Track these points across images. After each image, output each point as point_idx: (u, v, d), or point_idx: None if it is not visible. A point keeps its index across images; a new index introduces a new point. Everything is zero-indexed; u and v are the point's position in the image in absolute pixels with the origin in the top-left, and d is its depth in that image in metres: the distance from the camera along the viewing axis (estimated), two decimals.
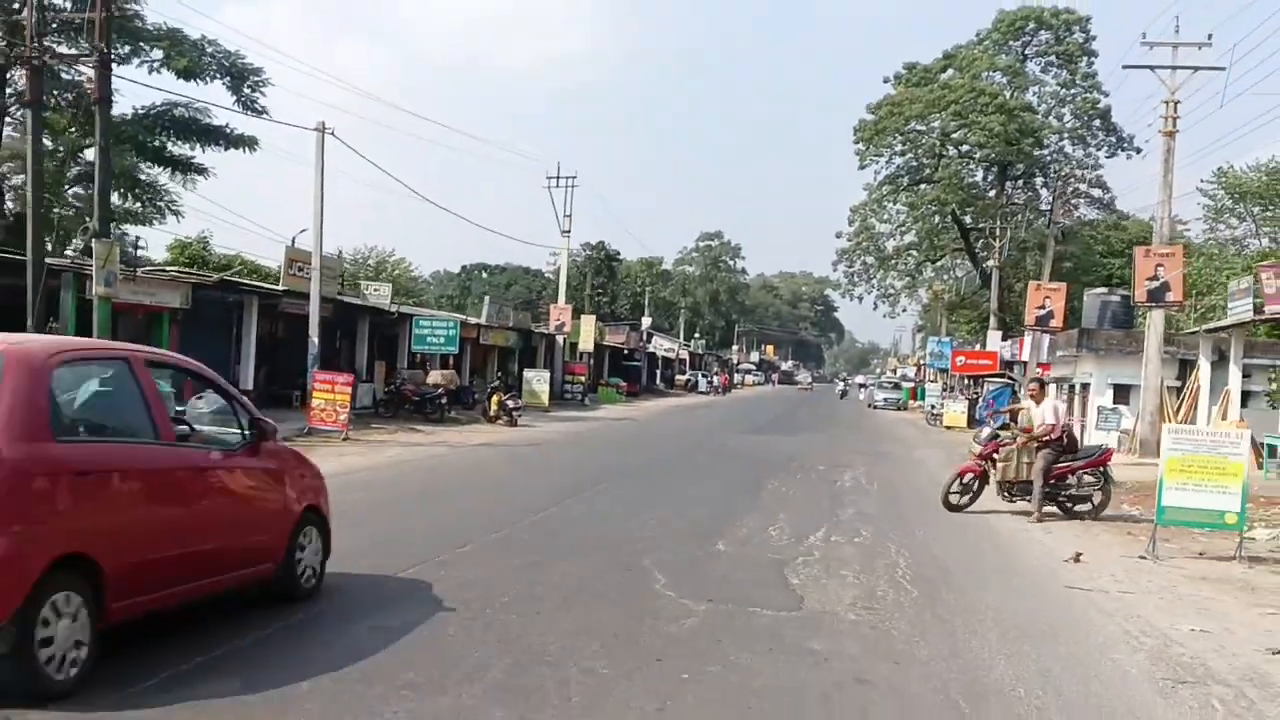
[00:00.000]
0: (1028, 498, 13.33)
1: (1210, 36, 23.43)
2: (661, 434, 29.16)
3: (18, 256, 18.89)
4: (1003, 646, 6.91)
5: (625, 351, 63.61)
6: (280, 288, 24.73)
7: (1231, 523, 10.61)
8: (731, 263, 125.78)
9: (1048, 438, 13.15)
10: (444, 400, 27.23)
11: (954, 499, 13.74)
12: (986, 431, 14.72)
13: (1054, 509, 13.36)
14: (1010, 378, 38.92)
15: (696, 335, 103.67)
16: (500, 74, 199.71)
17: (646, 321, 73.19)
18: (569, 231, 47.07)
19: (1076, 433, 16.25)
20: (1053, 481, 13.24)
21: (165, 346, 22.88)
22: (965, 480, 13.85)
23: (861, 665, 6.26)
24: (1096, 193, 61.06)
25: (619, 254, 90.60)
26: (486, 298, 43.90)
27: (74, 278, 19.66)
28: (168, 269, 23.26)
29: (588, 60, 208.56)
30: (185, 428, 6.35)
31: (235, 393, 7.12)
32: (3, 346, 5.23)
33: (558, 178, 45.79)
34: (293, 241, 27.35)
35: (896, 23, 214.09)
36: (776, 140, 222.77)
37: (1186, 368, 26.79)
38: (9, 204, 31.68)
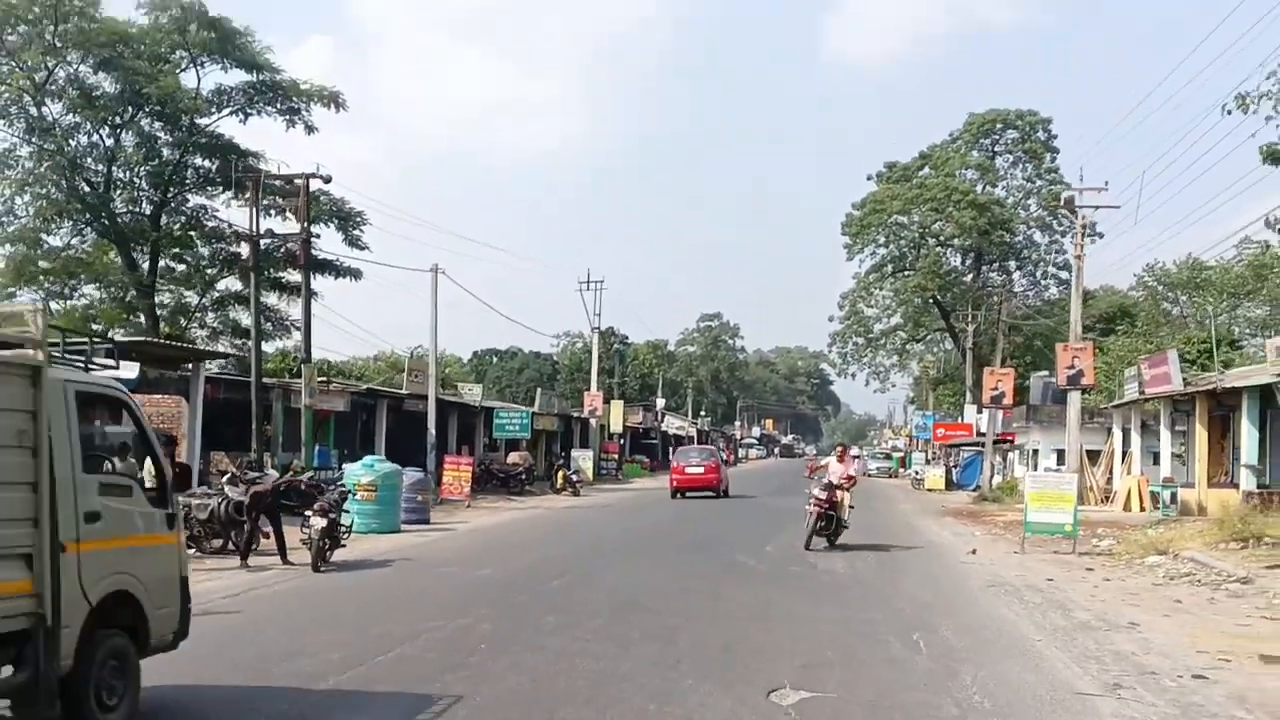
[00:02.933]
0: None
1: (1106, 183, 31.17)
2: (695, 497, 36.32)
3: (243, 379, 26.26)
4: (920, 582, 14.11)
5: (642, 430, 70.77)
6: (405, 391, 32.12)
7: (1069, 530, 17.83)
8: (731, 342, 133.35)
9: (847, 485, 17.97)
10: (524, 476, 34.41)
11: (814, 541, 17.16)
12: (819, 489, 17.73)
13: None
14: (981, 448, 46.13)
15: (702, 413, 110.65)
16: (486, 160, 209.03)
17: (660, 403, 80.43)
18: (598, 328, 54.70)
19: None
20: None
21: (331, 438, 30.23)
22: (816, 523, 17.28)
23: (848, 582, 13.45)
24: (1065, 274, 68.75)
25: (627, 338, 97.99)
26: (539, 390, 51.12)
27: (281, 392, 26.92)
28: (333, 382, 30.48)
29: (576, 146, 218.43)
30: None
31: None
32: None
33: (588, 281, 53.58)
34: (411, 355, 34.78)
35: (881, 118, 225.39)
36: (769, 220, 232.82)
37: (1126, 432, 33.87)
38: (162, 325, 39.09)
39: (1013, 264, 69.07)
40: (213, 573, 13.89)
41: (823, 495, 17.38)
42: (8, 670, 5.68)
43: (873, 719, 7.09)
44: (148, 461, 7.90)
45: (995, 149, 69.29)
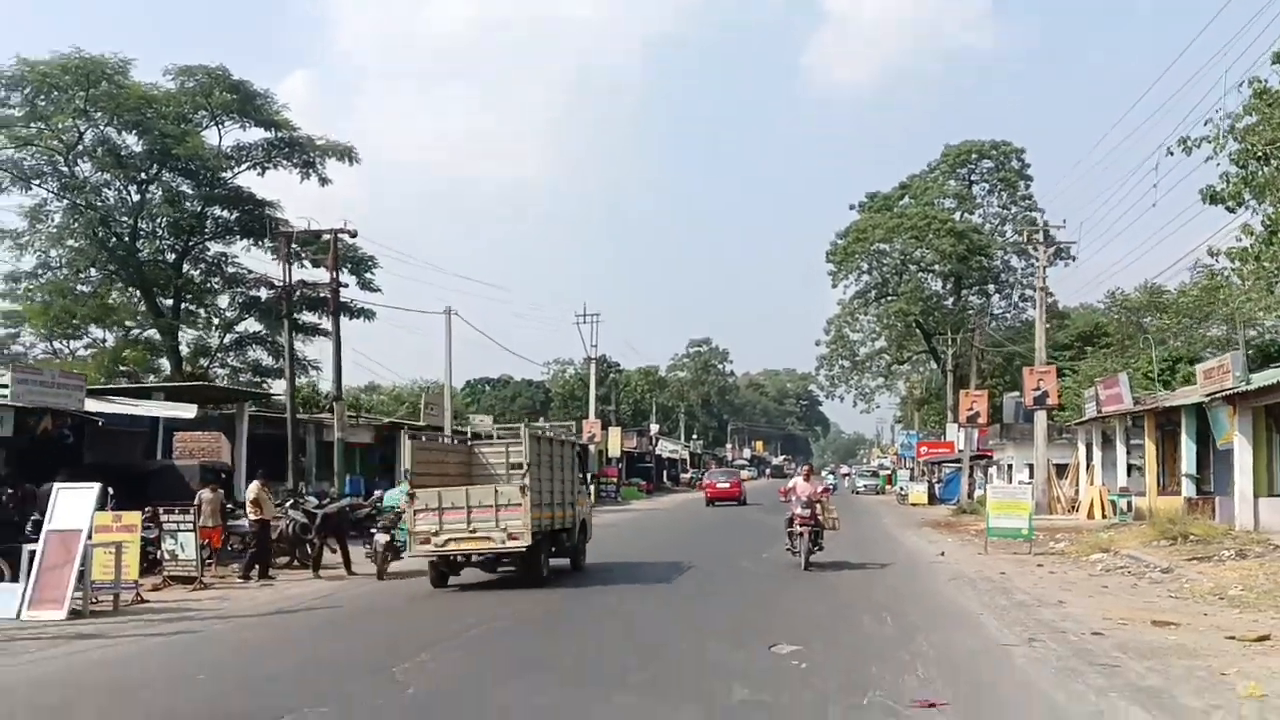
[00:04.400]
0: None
1: (1064, 221, 34.01)
2: (698, 514, 38.93)
3: (276, 415, 28.71)
4: (892, 578, 16.64)
5: (637, 454, 73.23)
6: (423, 423, 34.60)
7: (1025, 534, 20.42)
8: (720, 366, 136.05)
9: (818, 499, 18.29)
10: None
11: (797, 557, 17.52)
12: (800, 508, 17.99)
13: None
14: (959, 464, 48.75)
15: (694, 436, 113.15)
16: (466, 189, 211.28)
17: (654, 428, 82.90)
18: (594, 359, 57.33)
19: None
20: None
21: (359, 470, 32.64)
22: (808, 542, 17.52)
23: (831, 579, 15.96)
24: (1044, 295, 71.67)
25: (619, 365, 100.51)
26: (542, 420, 53.61)
27: (314, 427, 29.36)
28: (360, 417, 32.93)
29: (556, 176, 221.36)
30: None
31: None
32: None
33: (584, 315, 56.35)
34: (427, 390, 37.25)
35: (860, 144, 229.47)
36: (755, 244, 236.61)
37: (1090, 448, 36.57)
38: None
39: (991, 288, 71.49)
40: (293, 582, 16.38)
41: (805, 512, 17.74)
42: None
43: (845, 662, 9.57)
44: None
45: (971, 178, 72.07)
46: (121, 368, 38.91)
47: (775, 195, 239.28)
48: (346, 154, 40.00)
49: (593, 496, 45.74)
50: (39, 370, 19.65)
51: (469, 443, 20.41)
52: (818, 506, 18.02)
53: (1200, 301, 39.56)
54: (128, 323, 42.10)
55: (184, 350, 41.67)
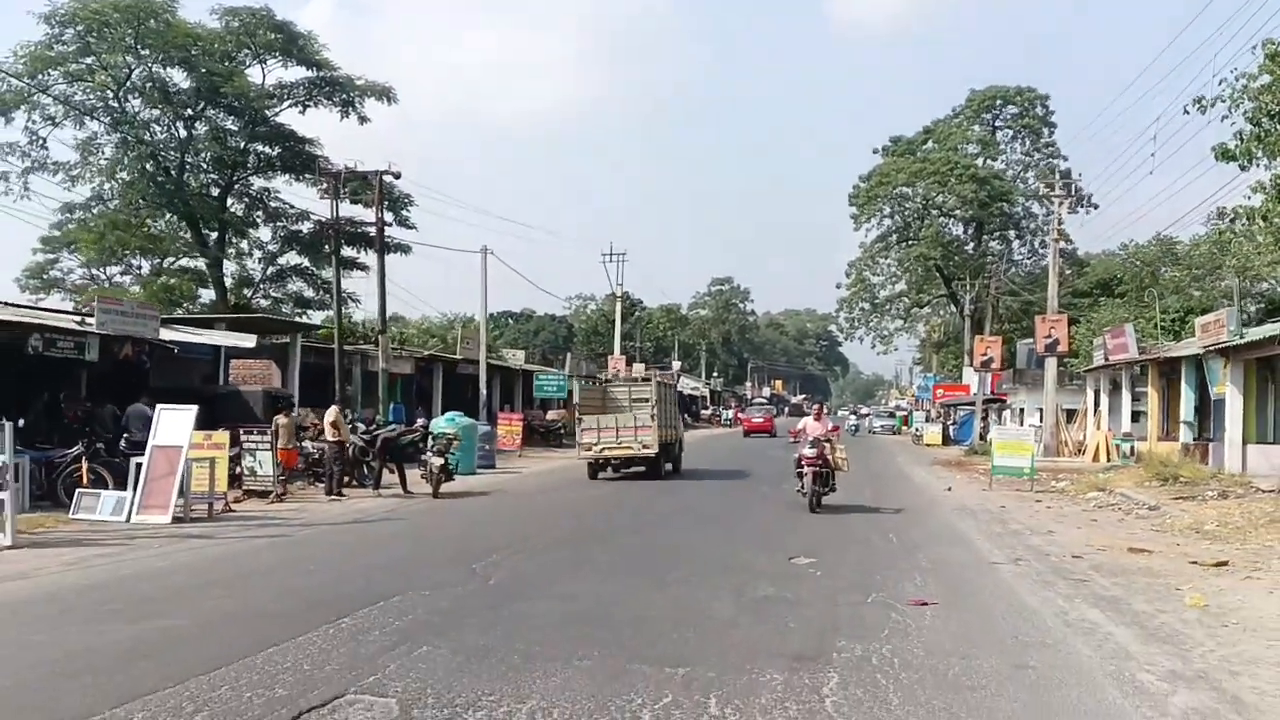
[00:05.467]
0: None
1: (1080, 175, 35.01)
2: (738, 444, 41.09)
3: (324, 345, 30.40)
4: (905, 507, 18.24)
5: None
6: (459, 356, 36.33)
7: (1027, 472, 21.95)
8: (741, 305, 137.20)
9: (827, 439, 17.37)
10: (561, 430, 38.64)
11: (811, 500, 16.64)
12: (808, 449, 17.05)
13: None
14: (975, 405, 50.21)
15: (714, 374, 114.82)
16: (488, 121, 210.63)
17: (677, 365, 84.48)
18: (621, 297, 58.73)
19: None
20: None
21: (401, 399, 34.41)
22: (815, 483, 16.68)
23: (844, 508, 17.57)
24: (1061, 244, 72.36)
25: (641, 302, 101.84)
26: (569, 354, 55.37)
27: (360, 357, 31.04)
28: (404, 349, 34.64)
29: (583, 109, 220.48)
30: None
31: None
32: None
33: (610, 254, 57.67)
34: (458, 325, 38.87)
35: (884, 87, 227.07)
36: (778, 183, 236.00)
37: (1098, 394, 37.95)
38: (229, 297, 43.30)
39: (1012, 234, 72.34)
40: (358, 499, 18.15)
41: (813, 453, 16.90)
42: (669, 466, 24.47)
43: (854, 570, 11.17)
44: None
45: (996, 124, 72.67)
46: (172, 297, 40.66)
47: (801, 137, 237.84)
48: (385, 94, 41.21)
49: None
50: (120, 301, 21.27)
51: (604, 384, 28.91)
52: (826, 446, 17.27)
53: (1211, 255, 40.52)
54: (173, 253, 43.83)
55: (227, 282, 43.39)
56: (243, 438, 17.81)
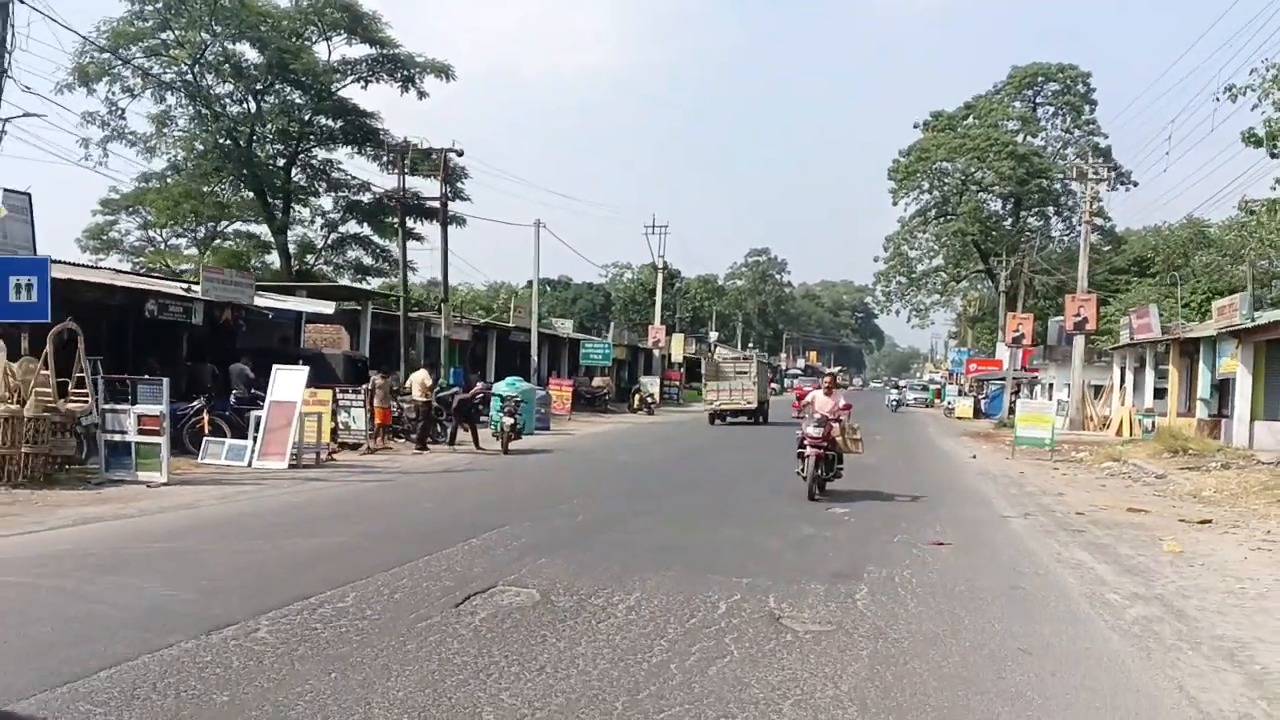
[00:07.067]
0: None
1: (1112, 154, 36.27)
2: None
3: (389, 312, 32.51)
4: (928, 472, 20.05)
5: (696, 359, 76.83)
6: (512, 325, 38.37)
7: (1048, 443, 23.64)
8: (778, 276, 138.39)
9: (837, 418, 14.91)
10: (606, 396, 40.66)
11: (811, 487, 14.38)
12: (812, 427, 14.62)
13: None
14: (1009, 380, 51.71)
15: (750, 344, 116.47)
16: (525, 90, 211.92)
17: (714, 335, 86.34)
18: (662, 268, 60.53)
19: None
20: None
21: (458, 364, 36.54)
22: (817, 469, 14.43)
23: (876, 472, 19.41)
24: (1099, 220, 73.03)
25: (679, 272, 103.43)
26: (612, 323, 57.37)
27: (424, 324, 33.14)
28: (464, 317, 36.73)
29: (624, 77, 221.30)
30: None
31: None
32: None
33: (653, 226, 59.46)
34: (516, 294, 40.90)
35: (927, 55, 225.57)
36: (817, 156, 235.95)
37: (1124, 371, 39.36)
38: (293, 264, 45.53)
39: (1050, 210, 73.04)
40: (438, 453, 20.25)
41: (817, 432, 14.44)
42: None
43: (882, 519, 13.02)
44: None
45: (1036, 100, 73.20)
46: (240, 263, 42.98)
47: (843, 110, 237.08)
48: (444, 71, 43.04)
49: (658, 399, 50.48)
50: (220, 270, 23.46)
51: (717, 363, 38.31)
52: (835, 426, 14.78)
53: (1239, 239, 41.59)
54: (241, 221, 46.23)
55: (291, 249, 45.63)
56: (339, 395, 19.91)
